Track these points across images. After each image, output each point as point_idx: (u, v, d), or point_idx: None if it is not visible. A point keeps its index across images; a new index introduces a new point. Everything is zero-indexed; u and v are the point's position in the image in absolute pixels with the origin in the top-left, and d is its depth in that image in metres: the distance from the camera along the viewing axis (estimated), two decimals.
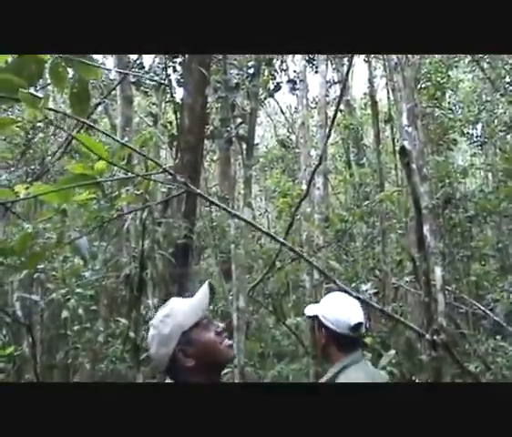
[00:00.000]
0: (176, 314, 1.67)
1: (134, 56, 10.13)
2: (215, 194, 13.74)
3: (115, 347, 6.25)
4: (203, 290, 1.72)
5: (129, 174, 2.46)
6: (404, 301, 8.84)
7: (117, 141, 2.32)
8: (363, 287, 5.81)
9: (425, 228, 4.68)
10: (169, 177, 2.52)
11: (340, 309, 2.28)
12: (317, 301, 9.17)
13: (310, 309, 2.48)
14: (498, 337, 6.26)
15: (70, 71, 1.88)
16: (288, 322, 11.06)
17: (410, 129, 5.20)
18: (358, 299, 2.59)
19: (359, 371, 2.20)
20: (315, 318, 2.37)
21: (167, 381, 1.68)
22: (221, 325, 1.73)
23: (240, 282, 6.60)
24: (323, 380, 2.30)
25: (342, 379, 2.17)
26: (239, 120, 7.49)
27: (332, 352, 2.29)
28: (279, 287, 11.88)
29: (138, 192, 3.49)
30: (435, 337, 3.37)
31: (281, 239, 4.12)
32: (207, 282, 1.74)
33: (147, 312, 5.22)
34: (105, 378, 6.45)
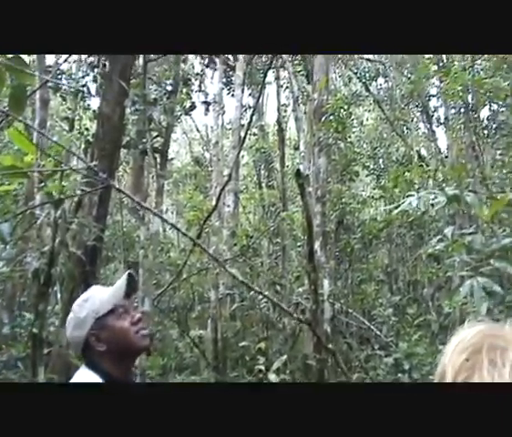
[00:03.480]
0: (93, 300, 1.75)
1: (53, 61, 10.13)
2: (126, 205, 13.82)
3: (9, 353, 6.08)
4: (121, 280, 1.77)
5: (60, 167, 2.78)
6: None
7: (51, 140, 2.64)
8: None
9: (317, 244, 5.30)
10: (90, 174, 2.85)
11: None
12: (221, 315, 9.44)
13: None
14: (376, 347, 7.00)
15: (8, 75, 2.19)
16: (191, 334, 11.32)
17: (310, 156, 5.83)
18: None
19: None
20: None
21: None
22: (138, 315, 1.78)
23: (146, 287, 6.87)
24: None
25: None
26: (154, 133, 7.85)
27: None
28: (184, 299, 12.14)
29: (65, 183, 3.74)
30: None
31: (196, 240, 4.49)
32: (126, 273, 1.79)
33: (53, 308, 5.33)
34: None
